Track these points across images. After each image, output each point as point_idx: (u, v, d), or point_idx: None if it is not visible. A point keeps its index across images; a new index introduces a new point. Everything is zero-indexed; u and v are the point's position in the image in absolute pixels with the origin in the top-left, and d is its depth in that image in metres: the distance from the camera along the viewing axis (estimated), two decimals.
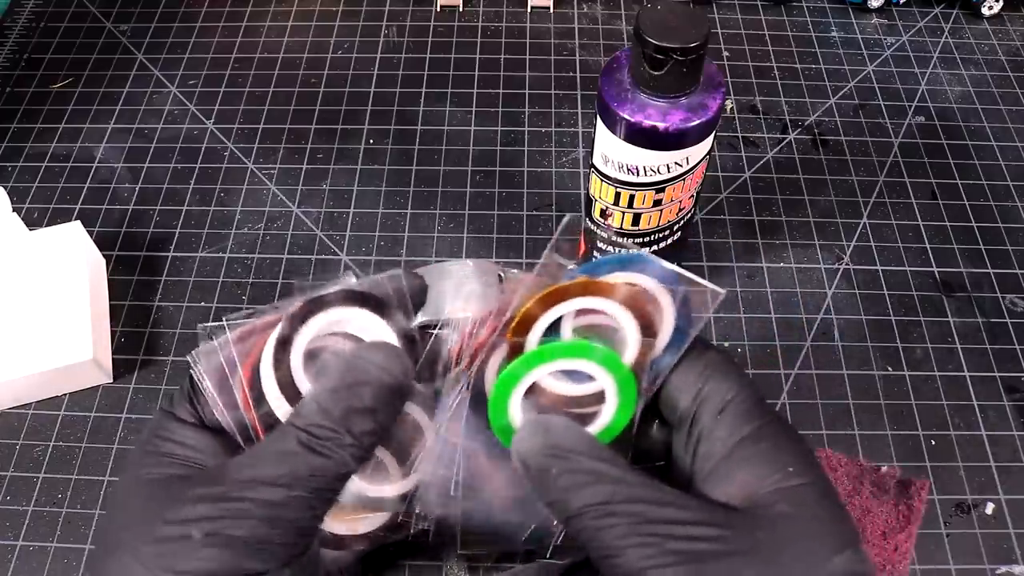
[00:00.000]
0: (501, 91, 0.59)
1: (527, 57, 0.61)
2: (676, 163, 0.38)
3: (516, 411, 0.29)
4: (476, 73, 0.60)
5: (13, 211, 0.45)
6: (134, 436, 0.43)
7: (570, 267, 0.30)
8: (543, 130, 0.57)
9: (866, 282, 0.49)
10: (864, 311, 0.48)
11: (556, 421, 0.27)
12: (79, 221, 0.47)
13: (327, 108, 0.58)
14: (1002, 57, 0.62)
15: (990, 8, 0.63)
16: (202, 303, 0.48)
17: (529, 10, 0.64)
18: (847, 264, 0.50)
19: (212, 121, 0.57)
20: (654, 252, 0.43)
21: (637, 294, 0.29)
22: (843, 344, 0.46)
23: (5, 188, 0.47)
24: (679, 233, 0.44)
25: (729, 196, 0.53)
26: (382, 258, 0.50)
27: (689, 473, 0.28)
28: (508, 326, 0.29)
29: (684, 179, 0.39)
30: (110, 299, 0.48)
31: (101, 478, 0.42)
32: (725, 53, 0.62)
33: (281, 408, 0.29)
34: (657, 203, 0.40)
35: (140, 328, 0.47)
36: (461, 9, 0.64)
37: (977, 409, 0.44)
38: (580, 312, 0.29)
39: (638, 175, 0.39)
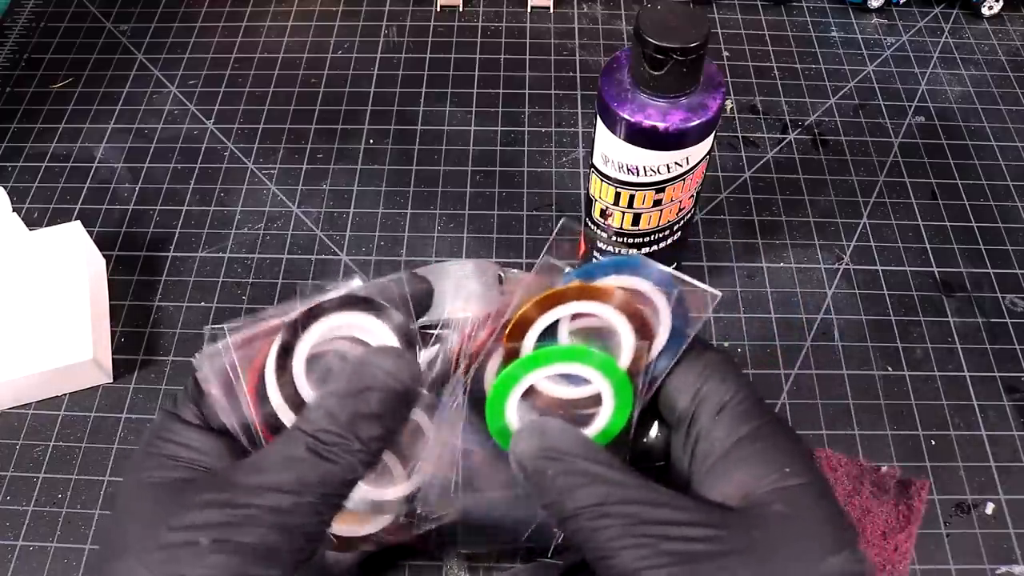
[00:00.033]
0: (501, 91, 0.59)
1: (527, 57, 0.61)
2: (676, 163, 0.38)
3: (514, 414, 0.29)
4: (476, 73, 0.60)
5: (13, 211, 0.46)
6: (134, 436, 0.43)
7: (567, 270, 0.30)
8: (543, 130, 0.57)
9: (866, 282, 0.49)
10: (864, 311, 0.48)
11: (552, 424, 0.27)
12: (79, 221, 0.47)
13: (327, 108, 0.58)
14: (1002, 57, 0.62)
15: (990, 8, 0.63)
16: (202, 303, 0.48)
17: (529, 10, 0.64)
18: (847, 264, 0.50)
19: (212, 121, 0.57)
20: (654, 252, 0.43)
21: (632, 298, 0.29)
22: (843, 344, 0.46)
23: (5, 188, 0.47)
24: (679, 233, 0.44)
25: (729, 196, 0.53)
26: (382, 258, 0.50)
27: (688, 473, 0.28)
28: (504, 330, 0.29)
29: (684, 179, 0.39)
30: (110, 299, 0.48)
31: (101, 478, 0.42)
32: (725, 53, 0.61)
33: (286, 416, 0.29)
34: (657, 203, 0.40)
35: (140, 328, 0.47)
36: (461, 9, 0.64)
37: (977, 409, 0.44)
38: (576, 316, 0.30)
39: (638, 175, 0.39)
